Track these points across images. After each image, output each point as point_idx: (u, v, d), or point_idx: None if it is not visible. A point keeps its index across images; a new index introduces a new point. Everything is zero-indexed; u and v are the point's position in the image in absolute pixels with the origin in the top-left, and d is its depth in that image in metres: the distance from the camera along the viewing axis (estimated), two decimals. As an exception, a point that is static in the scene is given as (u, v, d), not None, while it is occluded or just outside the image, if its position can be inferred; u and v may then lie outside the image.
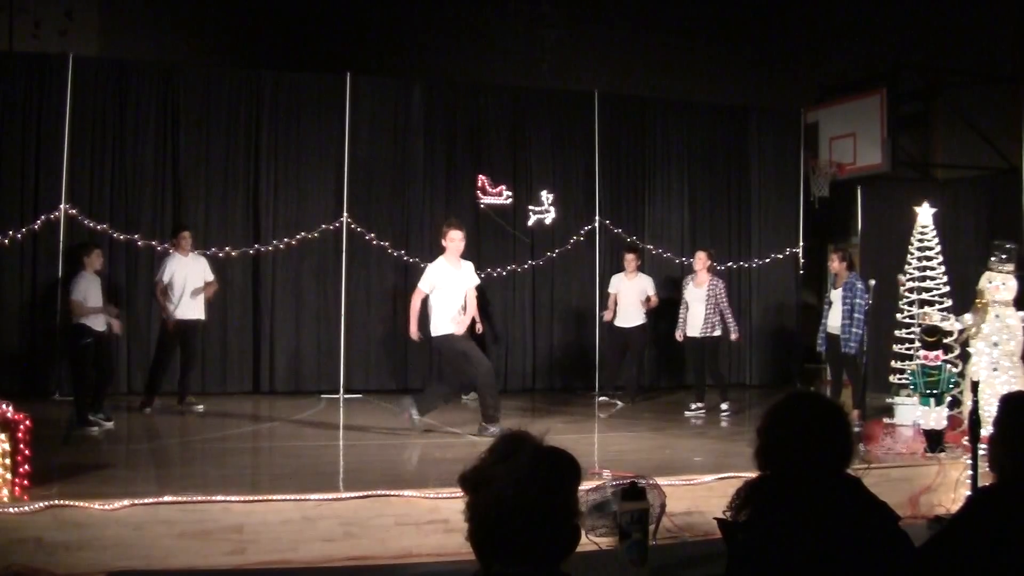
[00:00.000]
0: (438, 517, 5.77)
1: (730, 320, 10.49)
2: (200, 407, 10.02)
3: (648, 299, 11.16)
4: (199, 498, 5.66)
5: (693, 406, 10.43)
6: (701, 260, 10.56)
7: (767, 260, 13.48)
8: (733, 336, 10.64)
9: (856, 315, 9.43)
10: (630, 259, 11.28)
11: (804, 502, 2.47)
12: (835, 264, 9.77)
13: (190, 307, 10.11)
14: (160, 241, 11.07)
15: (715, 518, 2.81)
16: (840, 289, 9.62)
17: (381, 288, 11.97)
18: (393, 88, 12.22)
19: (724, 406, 10.32)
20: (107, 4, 13.75)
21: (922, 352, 8.13)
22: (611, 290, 11.36)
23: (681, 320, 10.64)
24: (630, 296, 11.17)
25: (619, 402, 11.13)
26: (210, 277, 10.35)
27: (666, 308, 11.57)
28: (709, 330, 10.38)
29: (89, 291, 8.97)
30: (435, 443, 8.37)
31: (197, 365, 10.82)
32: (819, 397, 2.74)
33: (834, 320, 9.66)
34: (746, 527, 2.54)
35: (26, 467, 5.55)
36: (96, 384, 8.94)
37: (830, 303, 9.81)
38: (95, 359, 8.94)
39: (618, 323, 11.25)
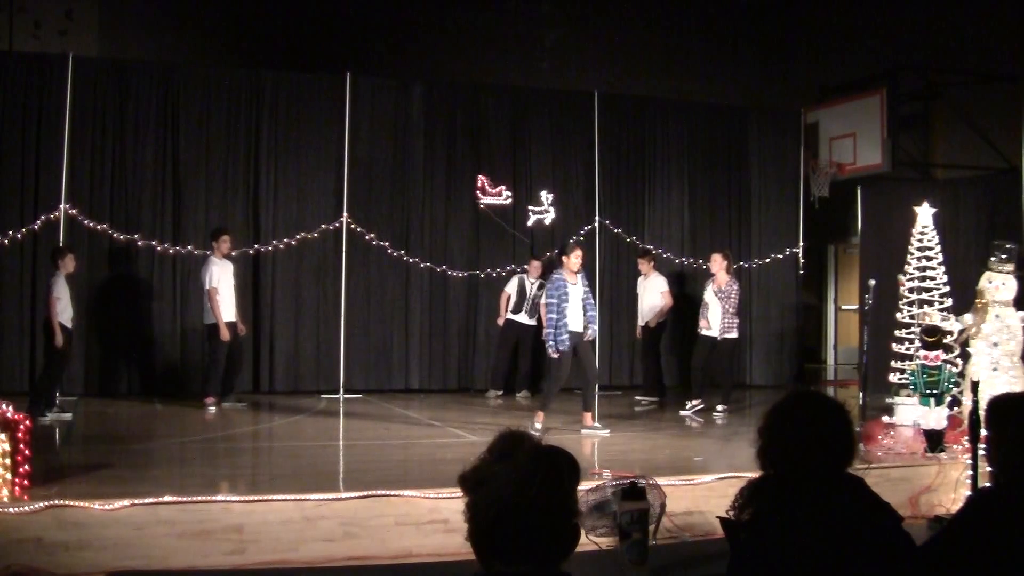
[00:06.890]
0: (438, 517, 5.76)
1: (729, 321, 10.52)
2: (242, 404, 10.18)
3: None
4: (199, 498, 5.65)
5: (689, 404, 10.43)
6: (716, 261, 10.64)
7: (767, 260, 13.47)
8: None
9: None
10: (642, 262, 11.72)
11: (806, 502, 2.47)
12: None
13: (231, 310, 10.20)
14: (160, 240, 11.08)
15: (718, 517, 2.81)
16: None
17: (381, 288, 11.96)
18: (393, 88, 12.20)
19: (720, 408, 10.31)
20: (107, 4, 13.74)
21: (922, 352, 8.12)
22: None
23: (701, 318, 10.67)
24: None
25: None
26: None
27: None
28: (726, 331, 10.42)
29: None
30: (435, 443, 8.37)
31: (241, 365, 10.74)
32: (820, 396, 2.73)
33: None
34: (749, 526, 2.54)
35: (26, 467, 5.55)
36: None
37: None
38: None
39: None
